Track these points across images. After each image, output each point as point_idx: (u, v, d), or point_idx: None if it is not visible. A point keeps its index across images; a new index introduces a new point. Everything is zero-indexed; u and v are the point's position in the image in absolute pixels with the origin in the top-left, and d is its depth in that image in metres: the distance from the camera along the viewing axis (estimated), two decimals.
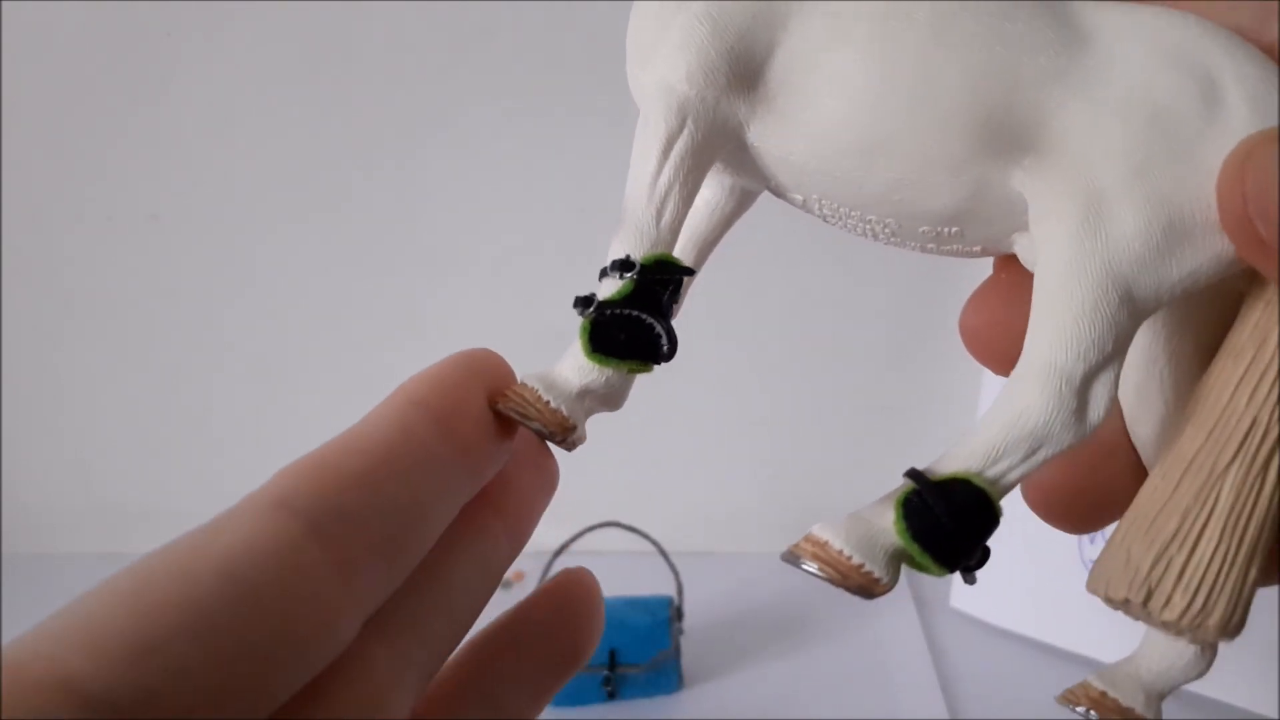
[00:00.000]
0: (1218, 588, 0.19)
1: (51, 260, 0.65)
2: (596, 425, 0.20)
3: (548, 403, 0.19)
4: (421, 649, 0.19)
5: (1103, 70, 0.19)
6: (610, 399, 0.20)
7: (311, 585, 0.16)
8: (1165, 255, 0.19)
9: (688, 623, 0.60)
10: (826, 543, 0.18)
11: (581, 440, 0.20)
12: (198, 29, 0.59)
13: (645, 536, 0.60)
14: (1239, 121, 0.19)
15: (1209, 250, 0.19)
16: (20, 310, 0.66)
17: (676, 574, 0.60)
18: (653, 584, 0.59)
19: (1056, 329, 0.19)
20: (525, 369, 0.20)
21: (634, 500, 0.63)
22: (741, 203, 0.23)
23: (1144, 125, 0.19)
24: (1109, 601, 0.20)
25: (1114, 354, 0.19)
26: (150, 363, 0.68)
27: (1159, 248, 0.19)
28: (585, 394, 0.19)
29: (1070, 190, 0.19)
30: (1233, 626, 0.19)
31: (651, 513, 0.61)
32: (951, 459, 0.19)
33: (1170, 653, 0.20)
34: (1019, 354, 0.20)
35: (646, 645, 0.57)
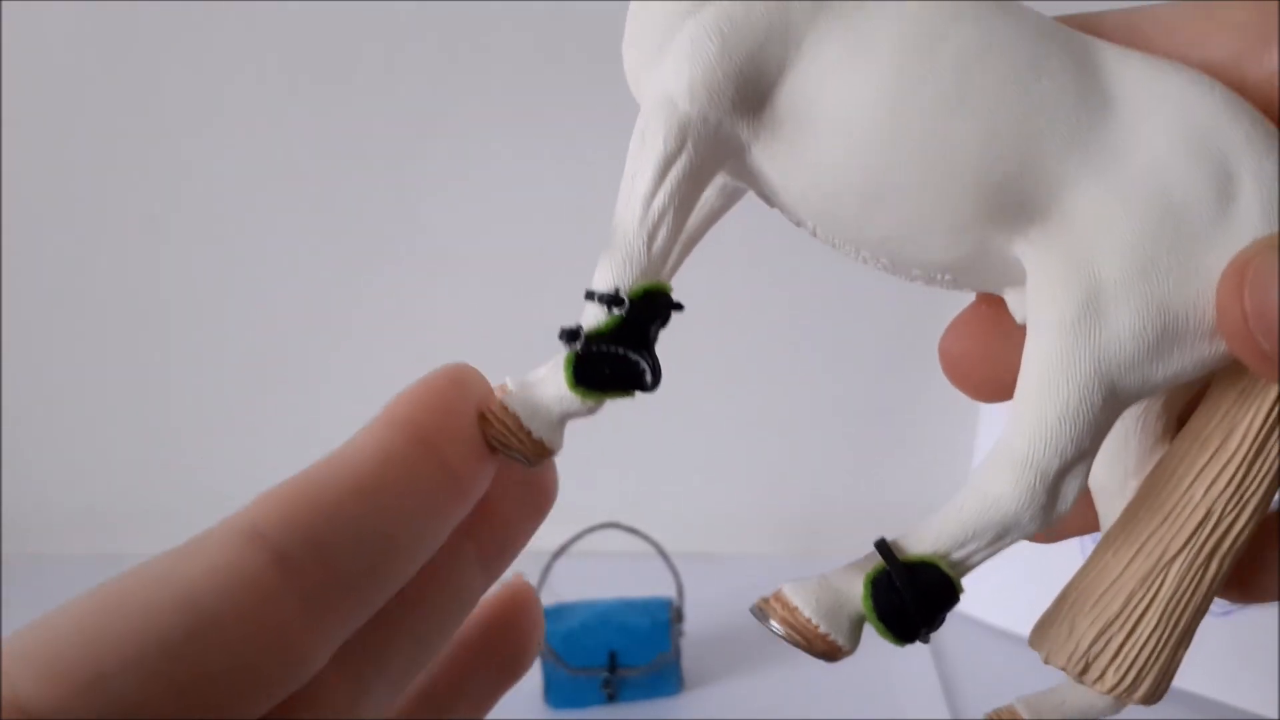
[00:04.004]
0: (1148, 667, 0.19)
1: (51, 260, 0.65)
2: (597, 426, 0.20)
3: (530, 432, 0.19)
4: (381, 680, 0.19)
5: (1122, 147, 0.19)
6: (589, 415, 0.20)
7: (276, 618, 0.15)
8: (1155, 357, 0.19)
9: (688, 625, 0.59)
10: (796, 609, 0.19)
11: (555, 453, 0.20)
12: (196, 29, 0.59)
13: (645, 538, 0.60)
14: (1248, 223, 0.18)
15: (1199, 353, 0.19)
16: (20, 310, 0.66)
17: (677, 575, 0.59)
18: (653, 586, 0.59)
19: (1037, 422, 0.19)
20: (521, 373, 0.20)
21: (634, 501, 0.63)
22: (729, 199, 0.23)
23: (1155, 221, 0.18)
24: (1047, 662, 0.21)
25: (1090, 449, 0.19)
26: (149, 364, 0.68)
27: (1150, 350, 0.19)
28: (565, 419, 0.19)
29: (1071, 276, 0.19)
30: (1156, 696, 0.20)
31: (651, 514, 0.61)
32: (923, 538, 0.19)
33: (1091, 696, 0.20)
34: (996, 382, 0.21)
35: (646, 647, 0.57)
